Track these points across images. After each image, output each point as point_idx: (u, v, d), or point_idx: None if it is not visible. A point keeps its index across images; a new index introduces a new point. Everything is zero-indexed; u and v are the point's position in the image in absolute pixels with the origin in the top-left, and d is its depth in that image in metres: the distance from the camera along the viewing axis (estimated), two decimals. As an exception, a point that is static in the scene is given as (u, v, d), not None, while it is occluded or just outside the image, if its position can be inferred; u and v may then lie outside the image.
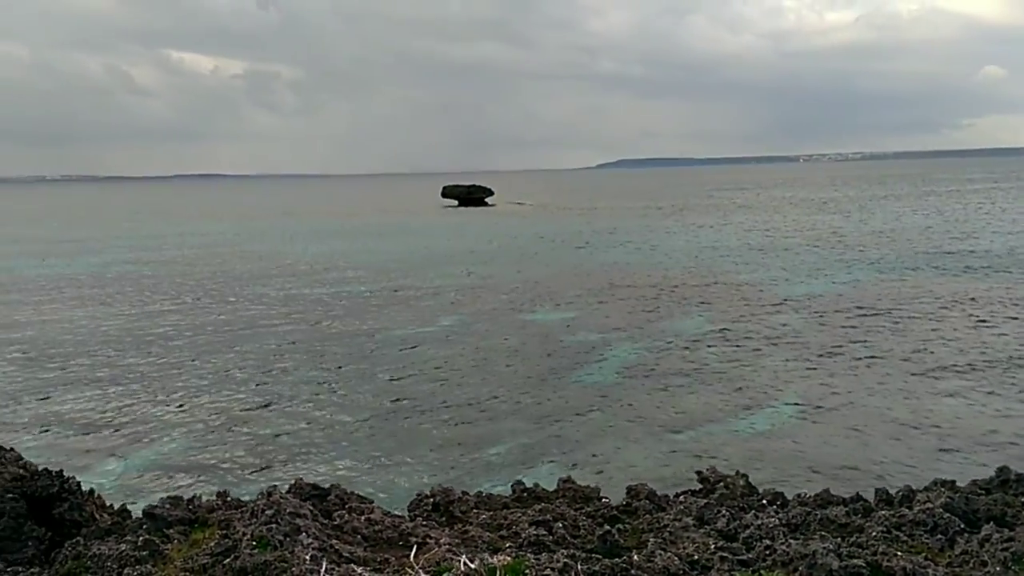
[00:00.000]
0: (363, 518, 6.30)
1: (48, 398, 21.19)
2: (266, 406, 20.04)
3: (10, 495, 6.04)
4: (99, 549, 5.60)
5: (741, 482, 7.77)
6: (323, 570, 5.09)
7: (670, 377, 21.82)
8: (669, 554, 5.71)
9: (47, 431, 18.44)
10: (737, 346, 25.16)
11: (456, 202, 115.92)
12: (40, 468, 6.42)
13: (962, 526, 6.23)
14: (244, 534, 5.60)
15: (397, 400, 20.26)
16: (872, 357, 23.17)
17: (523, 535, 6.17)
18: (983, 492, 7.11)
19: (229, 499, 6.78)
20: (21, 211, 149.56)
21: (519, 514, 6.74)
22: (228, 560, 5.23)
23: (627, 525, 6.72)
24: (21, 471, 6.24)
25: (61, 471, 6.49)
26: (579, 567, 5.30)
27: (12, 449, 6.61)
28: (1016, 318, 27.82)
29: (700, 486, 7.96)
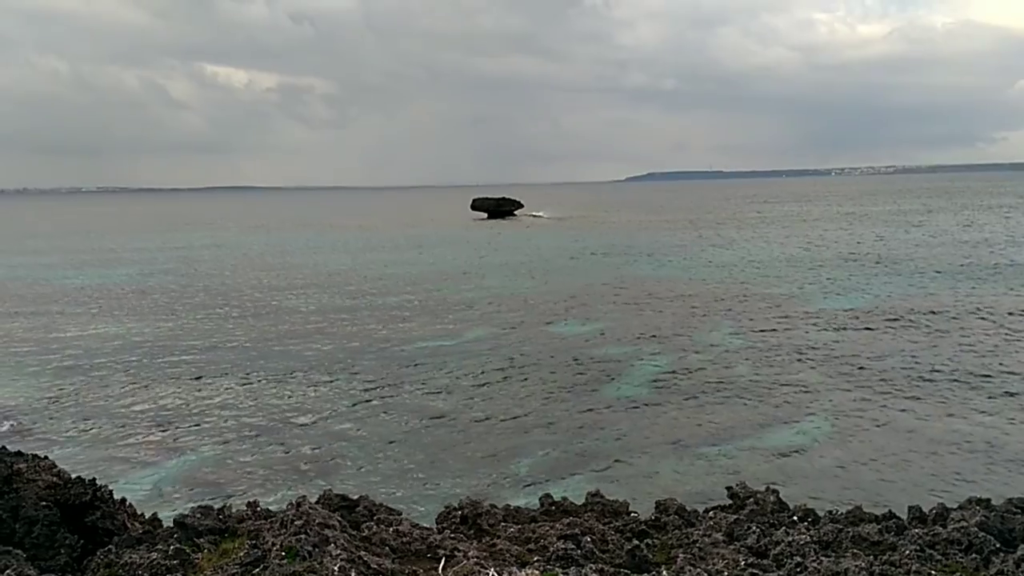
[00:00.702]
0: (391, 530, 6.25)
1: (83, 408, 21.36)
2: (296, 417, 20.07)
3: (44, 503, 6.09)
4: (130, 557, 5.61)
5: (772, 498, 7.63)
6: (351, 581, 5.08)
7: (701, 391, 21.63)
8: (698, 570, 5.62)
9: (82, 439, 18.58)
10: (769, 360, 24.90)
11: (485, 214, 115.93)
12: (74, 476, 6.47)
13: (997, 545, 6.05)
14: (273, 544, 5.58)
15: (425, 412, 20.22)
16: (907, 372, 22.78)
17: (551, 549, 6.09)
18: (1019, 511, 6.94)
19: (259, 509, 6.73)
20: (59, 221, 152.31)
21: (547, 528, 6.67)
22: (257, 570, 5.23)
23: (656, 540, 6.62)
24: (55, 479, 6.29)
25: (94, 479, 6.54)
26: (607, 582, 5.25)
27: (46, 457, 6.68)
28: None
29: (730, 501, 7.78)
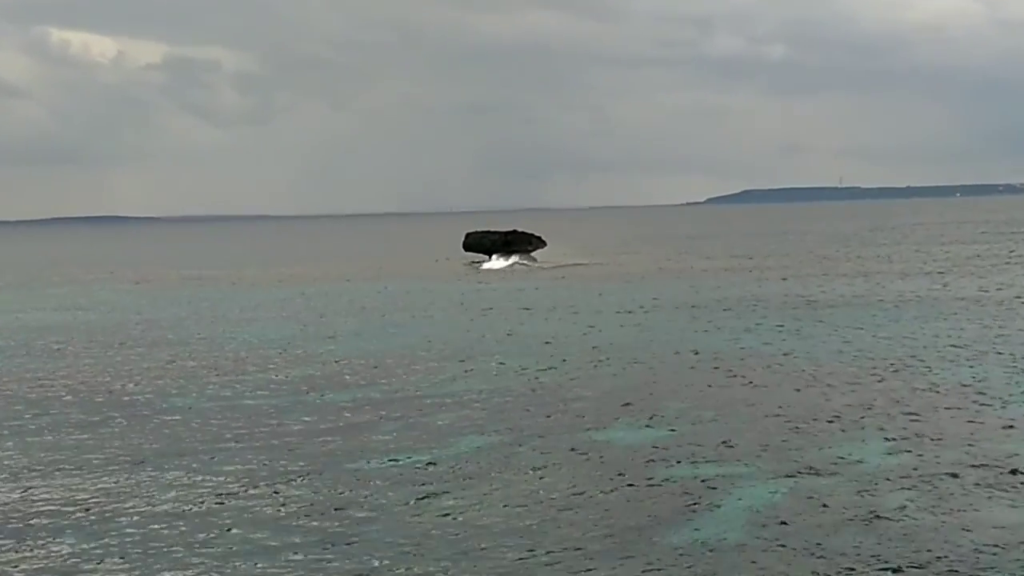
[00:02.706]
0: None
1: None
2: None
3: None
4: None
5: None
6: None
7: (827, 536, 21.35)
8: None
9: None
10: (939, 490, 24.41)
11: (487, 256, 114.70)
12: None
13: None
14: None
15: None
16: None
17: None
18: None
19: None
20: None
21: None
22: None
23: None
24: None
25: None
26: None
27: None
28: None
29: None
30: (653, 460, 27.96)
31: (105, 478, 28.06)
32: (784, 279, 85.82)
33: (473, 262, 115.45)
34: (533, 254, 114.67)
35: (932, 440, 29.14)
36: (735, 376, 40.40)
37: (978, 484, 24.63)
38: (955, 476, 25.25)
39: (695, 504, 23.97)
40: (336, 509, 24.48)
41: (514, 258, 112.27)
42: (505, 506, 24.32)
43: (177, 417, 36.11)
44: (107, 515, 24.52)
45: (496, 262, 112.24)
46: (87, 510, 25.11)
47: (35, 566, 21.48)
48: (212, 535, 22.81)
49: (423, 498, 25.00)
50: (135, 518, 24.27)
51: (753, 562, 20.16)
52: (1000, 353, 43.64)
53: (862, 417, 32.45)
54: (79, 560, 21.69)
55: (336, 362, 48.43)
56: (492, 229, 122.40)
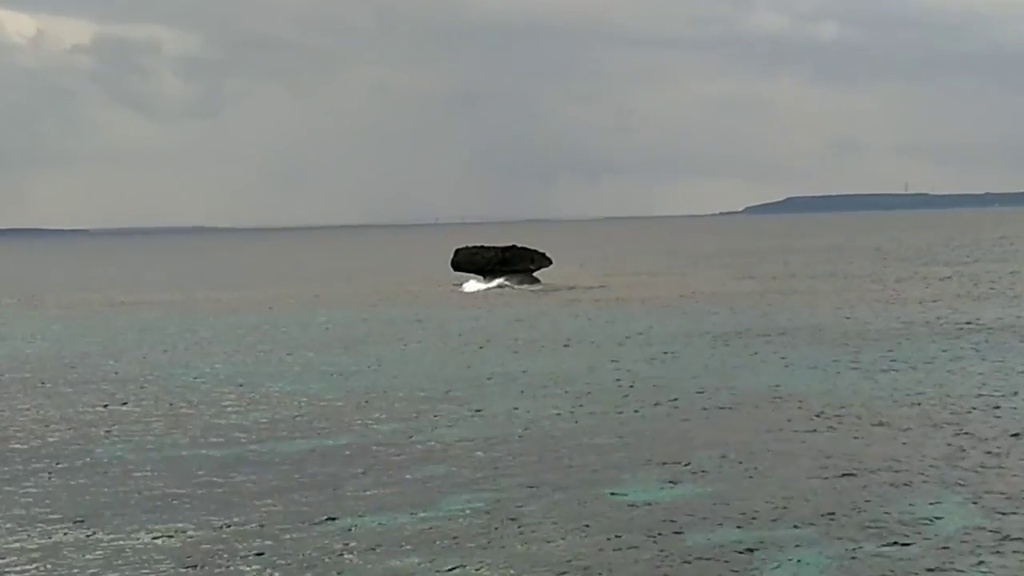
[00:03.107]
0: None
1: None
2: None
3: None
4: None
5: None
6: None
7: None
8: None
9: None
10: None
11: (480, 277, 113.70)
12: None
13: None
14: None
15: None
16: None
17: None
18: None
19: None
20: None
21: None
22: None
23: None
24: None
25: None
26: None
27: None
28: None
29: None
30: (684, 522, 27.42)
31: (18, 544, 27.64)
32: (839, 306, 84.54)
33: (462, 283, 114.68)
34: (536, 274, 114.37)
35: (1018, 500, 28.50)
36: (781, 421, 39.84)
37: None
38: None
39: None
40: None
41: (499, 279, 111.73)
42: (506, 577, 23.32)
43: (109, 472, 35.36)
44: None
45: (476, 283, 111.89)
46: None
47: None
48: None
49: (399, 555, 24.98)
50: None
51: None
52: None
53: (936, 470, 31.91)
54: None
55: (299, 404, 47.64)
56: (487, 244, 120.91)
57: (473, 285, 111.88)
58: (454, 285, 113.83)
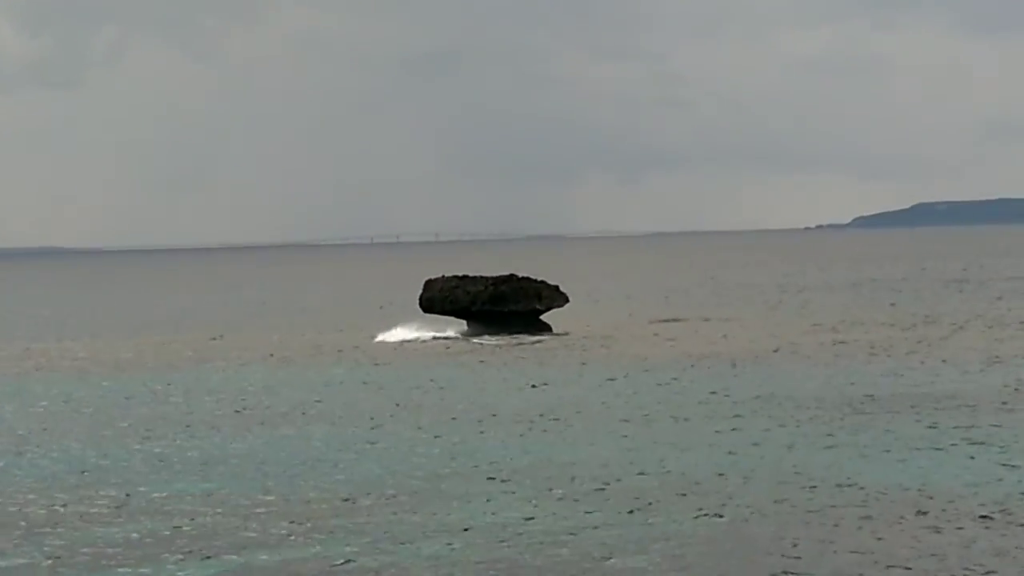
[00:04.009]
0: None
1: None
2: None
3: None
4: None
5: None
6: None
7: None
8: None
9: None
10: None
11: (464, 324, 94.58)
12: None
13: None
14: None
15: None
16: None
17: None
18: None
19: None
20: None
21: None
22: None
23: None
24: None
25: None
26: None
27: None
28: None
29: None
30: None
31: None
32: (983, 367, 71.52)
33: (436, 335, 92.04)
34: (545, 316, 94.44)
35: None
36: (905, 526, 33.57)
37: None
38: None
39: None
40: None
41: (484, 333, 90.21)
42: None
43: None
44: None
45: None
46: None
47: None
48: None
49: None
50: None
51: None
52: None
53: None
54: None
55: (200, 511, 39.49)
56: (469, 276, 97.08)
57: (460, 332, 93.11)
58: (432, 337, 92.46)
